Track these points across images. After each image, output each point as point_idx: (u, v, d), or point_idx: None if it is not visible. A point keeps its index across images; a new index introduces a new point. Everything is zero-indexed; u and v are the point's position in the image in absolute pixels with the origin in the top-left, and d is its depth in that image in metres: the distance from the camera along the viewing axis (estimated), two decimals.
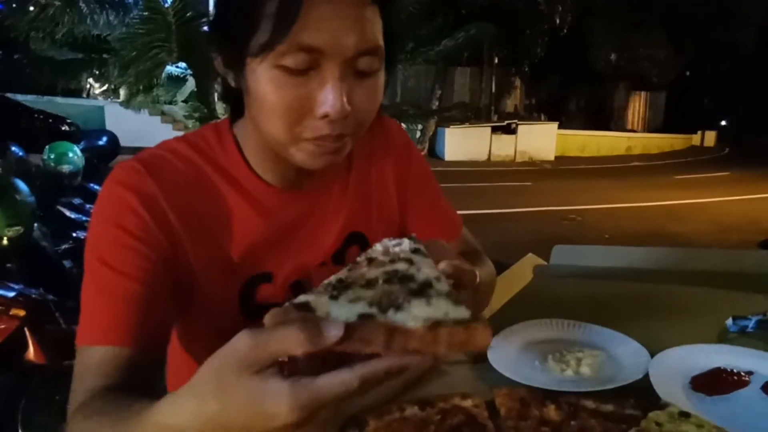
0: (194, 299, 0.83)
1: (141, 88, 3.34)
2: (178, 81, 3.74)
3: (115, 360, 0.71)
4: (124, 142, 5.25)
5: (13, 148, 3.14)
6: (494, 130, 17.66)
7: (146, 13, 2.84)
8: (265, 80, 0.70)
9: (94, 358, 0.72)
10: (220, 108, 3.50)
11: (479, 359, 0.91)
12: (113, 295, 0.74)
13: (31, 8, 3.07)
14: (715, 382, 0.79)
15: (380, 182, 0.97)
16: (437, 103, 15.06)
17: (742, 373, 0.82)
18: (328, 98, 0.70)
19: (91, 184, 3.75)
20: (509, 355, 0.91)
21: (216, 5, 0.78)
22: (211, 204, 0.82)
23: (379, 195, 0.96)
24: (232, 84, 0.78)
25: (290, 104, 0.71)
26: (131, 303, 0.73)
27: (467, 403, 0.76)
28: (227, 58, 0.76)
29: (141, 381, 0.72)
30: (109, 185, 0.78)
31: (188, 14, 2.79)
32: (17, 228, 2.51)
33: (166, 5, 2.85)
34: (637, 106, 26.78)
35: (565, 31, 18.50)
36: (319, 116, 0.71)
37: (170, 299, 0.78)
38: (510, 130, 17.77)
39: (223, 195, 0.83)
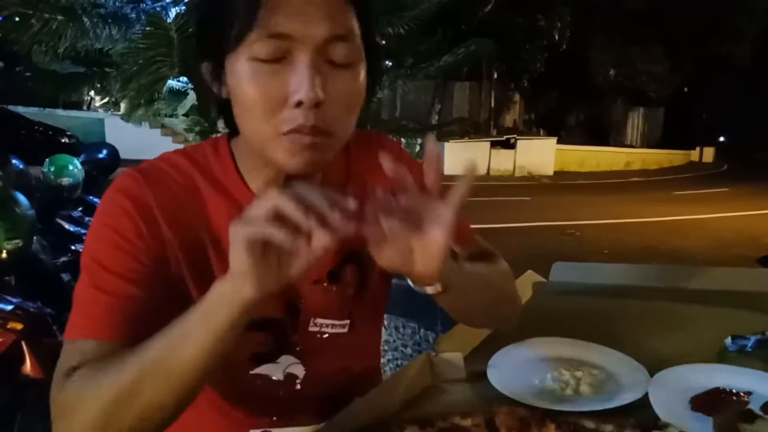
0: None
1: (142, 101, 3.35)
2: (179, 95, 3.74)
3: (104, 353, 0.72)
4: (124, 154, 5.25)
5: (14, 161, 3.15)
6: (493, 144, 17.74)
7: (148, 28, 2.85)
8: (241, 74, 0.72)
9: (82, 348, 0.73)
10: (220, 122, 3.51)
11: (478, 377, 0.91)
12: (105, 292, 0.75)
13: (34, 22, 3.09)
14: (714, 403, 0.79)
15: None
16: (437, 118, 15.11)
17: (742, 393, 0.82)
18: (301, 84, 0.70)
19: (91, 197, 3.76)
20: (508, 374, 0.91)
21: (196, 9, 0.81)
22: (204, 217, 0.83)
23: None
24: (222, 95, 0.78)
25: (265, 94, 0.72)
26: (122, 300, 0.75)
27: (467, 422, 0.76)
28: (212, 63, 0.78)
29: None
30: (110, 192, 0.81)
31: (190, 29, 2.80)
32: (16, 241, 2.51)
33: (169, 21, 2.87)
34: (635, 122, 26.91)
35: (564, 46, 18.66)
36: (294, 104, 0.71)
37: (163, 304, 0.77)
38: (509, 145, 17.85)
39: (216, 208, 0.83)
